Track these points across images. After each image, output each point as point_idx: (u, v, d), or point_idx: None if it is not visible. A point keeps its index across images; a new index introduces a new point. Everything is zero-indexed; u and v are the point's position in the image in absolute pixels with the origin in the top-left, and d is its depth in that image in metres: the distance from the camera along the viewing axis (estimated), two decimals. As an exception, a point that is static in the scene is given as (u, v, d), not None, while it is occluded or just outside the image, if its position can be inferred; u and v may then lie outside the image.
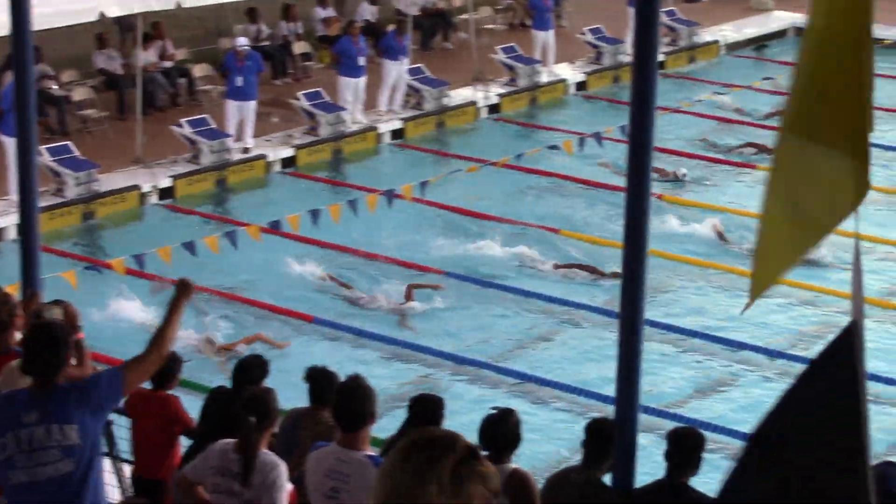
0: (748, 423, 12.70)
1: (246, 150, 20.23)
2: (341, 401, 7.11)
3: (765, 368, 14.24)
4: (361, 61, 21.56)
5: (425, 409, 8.24)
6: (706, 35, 27.31)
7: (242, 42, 20.73)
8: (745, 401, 13.51)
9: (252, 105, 20.38)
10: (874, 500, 4.77)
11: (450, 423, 7.98)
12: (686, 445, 7.72)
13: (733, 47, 27.62)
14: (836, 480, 4.87)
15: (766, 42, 28.21)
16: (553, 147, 19.76)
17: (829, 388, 4.87)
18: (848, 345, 4.84)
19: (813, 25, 4.53)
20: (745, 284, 14.53)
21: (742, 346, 14.57)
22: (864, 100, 4.73)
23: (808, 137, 4.73)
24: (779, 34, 28.49)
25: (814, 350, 13.82)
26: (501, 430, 7.92)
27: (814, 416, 4.82)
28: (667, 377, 13.98)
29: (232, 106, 20.29)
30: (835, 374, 4.86)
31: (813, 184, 4.73)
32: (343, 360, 13.07)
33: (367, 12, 25.55)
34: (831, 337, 4.63)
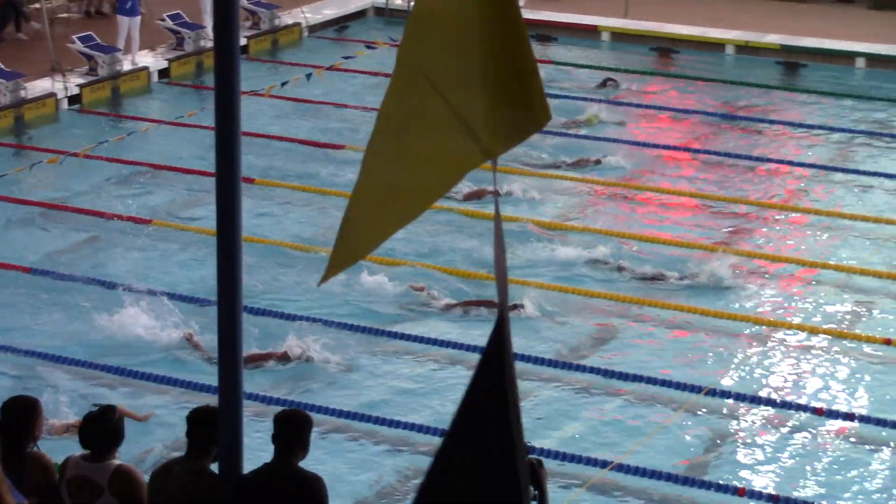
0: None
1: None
2: None
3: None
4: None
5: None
6: (287, 18, 27.47)
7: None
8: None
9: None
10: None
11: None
12: (292, 427, 7.80)
13: (315, 29, 27.88)
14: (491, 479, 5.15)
15: (347, 23, 28.59)
16: (132, 134, 19.65)
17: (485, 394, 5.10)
18: (499, 339, 5.02)
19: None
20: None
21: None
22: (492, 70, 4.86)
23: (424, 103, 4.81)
24: (359, 14, 28.94)
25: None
26: (102, 428, 7.83)
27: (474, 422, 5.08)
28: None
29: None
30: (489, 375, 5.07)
31: (414, 158, 4.84)
32: None
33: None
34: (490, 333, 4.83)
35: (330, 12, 28.68)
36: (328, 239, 17.34)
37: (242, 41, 22.57)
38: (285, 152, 20.56)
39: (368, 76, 24.27)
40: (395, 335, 14.69)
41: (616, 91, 23.65)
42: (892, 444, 12.92)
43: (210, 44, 24.37)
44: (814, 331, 15.03)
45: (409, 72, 4.82)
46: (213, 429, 7.58)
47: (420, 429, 12.67)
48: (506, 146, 4.80)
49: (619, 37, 27.04)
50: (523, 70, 4.76)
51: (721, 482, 12.10)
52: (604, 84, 23.82)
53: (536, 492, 7.61)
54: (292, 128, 21.70)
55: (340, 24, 28.51)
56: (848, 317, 15.44)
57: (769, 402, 13.63)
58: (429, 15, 4.79)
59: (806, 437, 13.05)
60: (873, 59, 25.46)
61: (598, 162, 19.95)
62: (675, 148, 21.05)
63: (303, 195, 18.88)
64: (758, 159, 20.54)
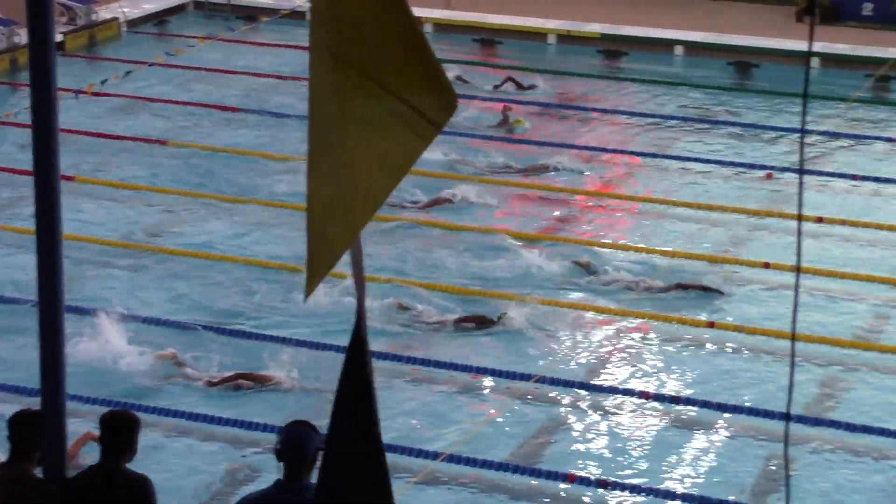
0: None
1: None
2: None
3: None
4: None
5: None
6: (105, 13, 27.08)
7: None
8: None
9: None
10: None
11: None
12: (118, 428, 7.73)
13: (134, 24, 27.53)
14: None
15: (167, 17, 28.29)
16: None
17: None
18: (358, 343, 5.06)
19: None
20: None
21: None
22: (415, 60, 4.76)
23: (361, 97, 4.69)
24: (179, 9, 28.66)
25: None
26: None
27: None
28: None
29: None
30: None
31: (360, 159, 4.72)
32: None
33: None
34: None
35: (149, 7, 28.35)
36: (149, 238, 17.22)
37: (58, 37, 22.19)
38: (107, 149, 20.31)
39: (190, 71, 24.07)
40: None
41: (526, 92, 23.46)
42: (716, 425, 13.21)
43: (24, 40, 23.93)
44: (641, 316, 15.29)
45: (327, 61, 4.69)
46: (36, 432, 7.49)
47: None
48: (447, 116, 4.67)
49: (442, 28, 27.16)
50: (426, 48, 4.68)
51: (551, 469, 12.27)
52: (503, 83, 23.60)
53: None
54: (113, 125, 21.43)
55: (160, 18, 28.20)
56: (674, 302, 15.72)
57: (596, 388, 13.84)
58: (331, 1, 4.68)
59: (633, 422, 13.29)
60: (691, 47, 25.95)
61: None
62: (495, 139, 21.19)
63: (127, 192, 18.69)
64: (583, 147, 20.81)
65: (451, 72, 22.87)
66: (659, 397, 13.60)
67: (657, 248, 17.15)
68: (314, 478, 7.56)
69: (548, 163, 19.84)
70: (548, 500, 11.99)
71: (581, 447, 12.88)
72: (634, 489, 12.05)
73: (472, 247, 17.02)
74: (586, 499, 11.99)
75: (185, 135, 21.07)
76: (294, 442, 7.46)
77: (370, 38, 4.65)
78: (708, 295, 15.81)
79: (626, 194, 19.11)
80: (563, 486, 12.10)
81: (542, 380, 13.72)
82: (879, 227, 17.85)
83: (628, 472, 12.43)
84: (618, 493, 12.00)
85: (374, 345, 14.12)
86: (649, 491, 12.01)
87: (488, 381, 13.90)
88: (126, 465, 7.74)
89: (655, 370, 14.30)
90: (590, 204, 18.91)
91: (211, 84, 23.72)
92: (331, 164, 4.61)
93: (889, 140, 21.36)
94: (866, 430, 12.99)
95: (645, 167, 20.30)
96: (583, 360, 14.42)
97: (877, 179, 19.52)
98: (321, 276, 4.59)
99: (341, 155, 4.59)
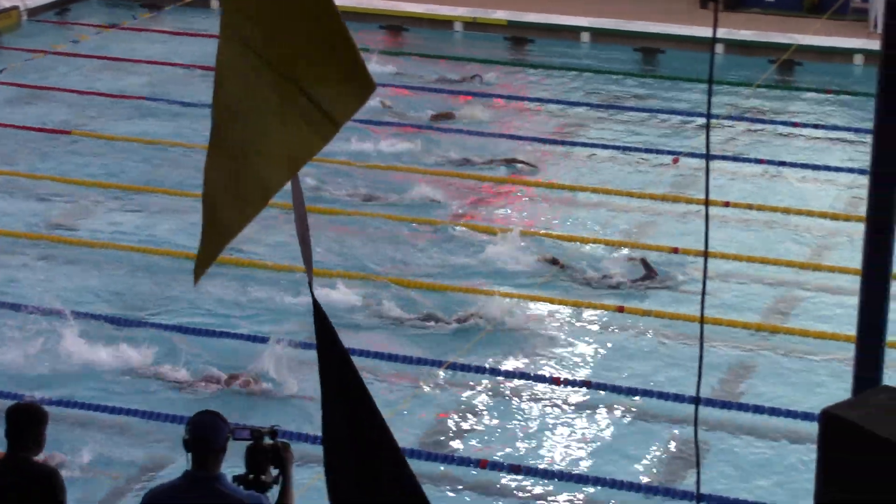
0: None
1: None
2: None
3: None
4: None
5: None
6: (4, 1, 26.72)
7: None
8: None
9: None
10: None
11: None
12: (24, 421, 7.66)
13: (35, 12, 27.20)
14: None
15: (69, 6, 27.99)
16: None
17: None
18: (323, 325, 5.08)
19: None
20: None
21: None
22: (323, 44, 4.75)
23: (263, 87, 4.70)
24: (81, -4, 28.40)
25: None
26: None
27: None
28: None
29: None
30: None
31: (258, 150, 4.74)
32: None
33: None
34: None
35: (51, -6, 28.05)
36: (56, 230, 17.04)
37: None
38: (10, 139, 20.07)
39: (94, 60, 23.84)
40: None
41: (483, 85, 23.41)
42: (622, 409, 13.29)
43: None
44: (550, 301, 15.35)
45: (237, 49, 4.69)
46: (32, 423, 7.49)
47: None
48: (348, 113, 4.70)
49: (348, 16, 26.92)
50: (342, 33, 4.67)
51: (463, 455, 12.28)
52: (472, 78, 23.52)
53: (279, 473, 7.63)
54: (15, 115, 21.17)
55: (62, 6, 27.87)
56: (579, 289, 15.78)
57: (508, 374, 13.88)
58: None
59: (544, 407, 13.33)
60: (597, 34, 26.08)
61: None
62: (404, 124, 21.18)
63: (29, 182, 18.49)
64: (490, 135, 20.84)
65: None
66: (569, 382, 13.66)
67: (565, 235, 17.21)
68: (224, 468, 7.54)
69: (456, 155, 19.82)
70: (460, 486, 12.01)
71: (491, 433, 12.91)
72: (546, 474, 12.09)
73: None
74: (499, 484, 12.02)
75: (91, 124, 20.88)
76: (201, 432, 7.41)
77: (284, 28, 4.67)
78: (616, 281, 15.85)
79: (533, 180, 19.15)
80: (476, 471, 12.11)
81: (454, 366, 13.73)
82: (787, 210, 18.04)
83: (539, 456, 12.48)
84: (530, 477, 12.04)
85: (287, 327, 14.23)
86: (561, 475, 12.06)
87: (399, 367, 13.88)
88: (33, 458, 7.66)
89: (565, 355, 14.35)
90: (496, 191, 18.93)
91: (116, 73, 23.49)
92: (230, 151, 4.64)
93: (794, 124, 21.60)
94: (774, 412, 13.11)
95: (552, 154, 20.36)
96: (494, 347, 14.43)
97: (782, 163, 19.73)
98: (211, 260, 4.60)
99: (241, 143, 4.62)
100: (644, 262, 16.17)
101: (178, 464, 8.41)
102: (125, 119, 21.15)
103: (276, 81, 4.67)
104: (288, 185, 4.80)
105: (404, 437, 12.51)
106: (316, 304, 4.95)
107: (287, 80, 4.68)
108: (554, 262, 16.26)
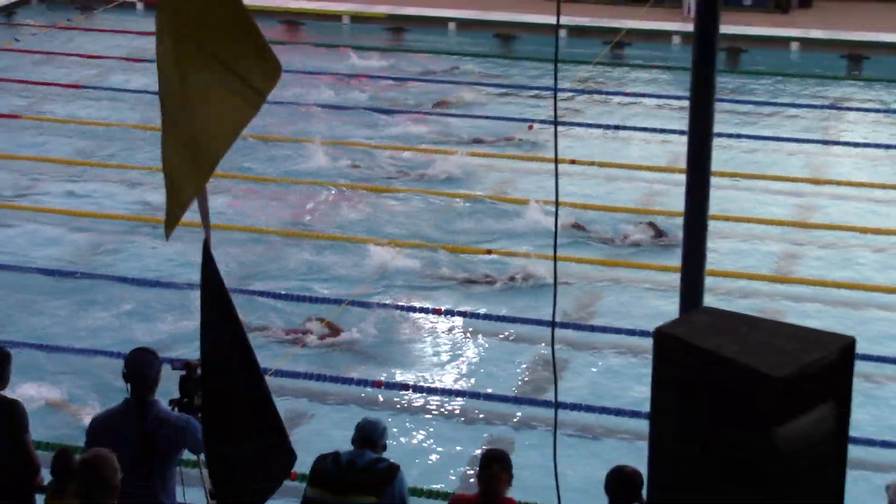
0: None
1: None
2: None
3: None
4: None
5: None
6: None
7: None
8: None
9: None
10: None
11: None
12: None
13: (-14, 15, 26.48)
14: None
15: (15, 9, 27.26)
16: None
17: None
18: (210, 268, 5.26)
19: None
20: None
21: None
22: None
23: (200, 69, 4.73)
24: (23, 2, 27.62)
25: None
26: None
27: None
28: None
29: None
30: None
31: (201, 123, 4.78)
32: None
33: None
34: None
35: (-3, -1, 27.27)
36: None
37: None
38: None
39: (39, 55, 23.32)
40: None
41: None
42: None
43: None
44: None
45: (172, 37, 4.74)
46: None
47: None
48: (268, 86, 4.87)
49: (252, 13, 26.60)
50: (250, 22, 4.84)
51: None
52: None
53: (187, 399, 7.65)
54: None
55: (8, 11, 27.10)
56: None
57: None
58: None
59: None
60: (462, 23, 26.00)
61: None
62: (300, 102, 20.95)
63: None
64: (373, 109, 20.71)
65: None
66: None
67: (437, 191, 17.13)
68: (156, 395, 7.56)
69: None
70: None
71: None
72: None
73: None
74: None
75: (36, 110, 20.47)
76: (136, 367, 7.43)
77: (208, 17, 4.79)
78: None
79: (406, 146, 18.97)
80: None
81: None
82: (622, 166, 18.24)
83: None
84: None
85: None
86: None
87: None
88: None
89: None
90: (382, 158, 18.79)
91: (57, 67, 22.99)
92: (179, 127, 4.69)
93: (625, 94, 21.77)
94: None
95: (430, 122, 20.27)
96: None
97: (617, 127, 19.89)
98: (177, 219, 4.75)
99: (186, 119, 4.67)
100: (652, 224, 15.96)
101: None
102: (69, 105, 20.74)
103: (207, 63, 4.77)
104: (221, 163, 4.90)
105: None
106: (207, 251, 5.13)
107: (214, 59, 4.78)
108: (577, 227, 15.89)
